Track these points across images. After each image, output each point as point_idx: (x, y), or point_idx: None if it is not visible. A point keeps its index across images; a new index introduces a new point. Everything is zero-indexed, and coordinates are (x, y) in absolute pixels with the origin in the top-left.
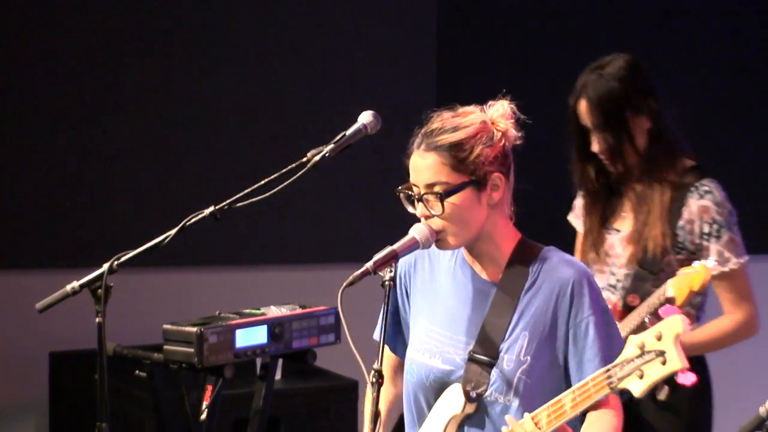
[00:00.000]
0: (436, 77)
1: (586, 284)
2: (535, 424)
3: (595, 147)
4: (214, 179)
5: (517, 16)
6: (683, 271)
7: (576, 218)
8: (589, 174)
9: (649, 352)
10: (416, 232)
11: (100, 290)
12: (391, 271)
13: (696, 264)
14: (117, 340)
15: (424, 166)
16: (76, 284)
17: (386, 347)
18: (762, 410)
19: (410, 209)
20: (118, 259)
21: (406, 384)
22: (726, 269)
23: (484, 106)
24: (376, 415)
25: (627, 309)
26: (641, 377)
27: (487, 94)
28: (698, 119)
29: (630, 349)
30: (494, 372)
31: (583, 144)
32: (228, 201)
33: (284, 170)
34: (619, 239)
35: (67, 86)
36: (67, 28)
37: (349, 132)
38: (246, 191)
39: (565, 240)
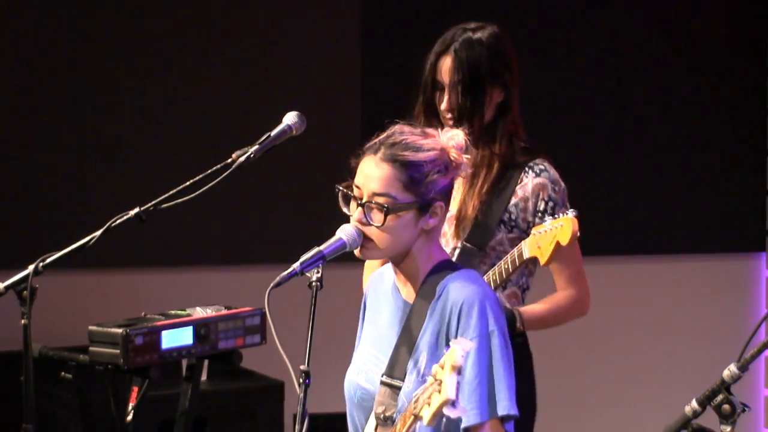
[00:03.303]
0: (360, 78)
1: (477, 306)
2: None
3: (445, 105)
4: (139, 180)
5: (443, 18)
6: (542, 229)
7: None
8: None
9: (436, 380)
10: (343, 233)
11: (25, 292)
12: (318, 272)
13: (559, 217)
14: (42, 341)
15: (377, 175)
16: (0, 286)
17: None
18: (687, 409)
19: (344, 208)
20: (44, 260)
21: (346, 401)
22: None
23: (439, 131)
24: (302, 415)
25: None
26: (429, 405)
27: (412, 95)
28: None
29: (431, 376)
30: (401, 396)
31: (431, 99)
32: (153, 202)
33: (209, 171)
34: (448, 218)
35: None
36: None
37: (274, 133)
38: (171, 192)
39: None
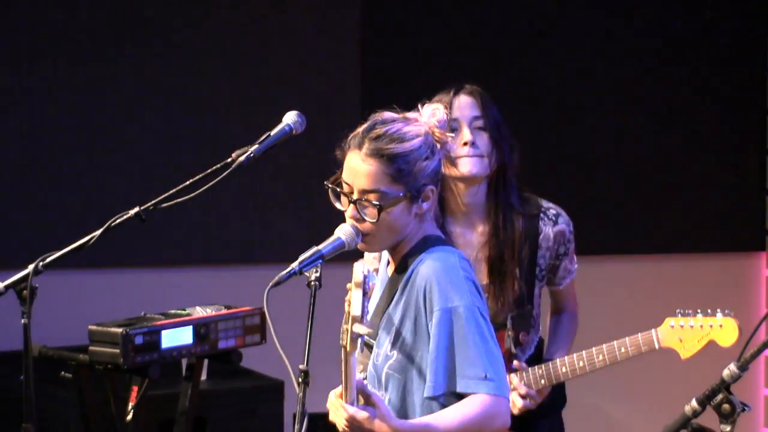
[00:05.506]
0: (360, 78)
1: (437, 282)
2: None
3: (468, 137)
4: (140, 180)
5: (443, 18)
6: (686, 323)
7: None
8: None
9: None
10: (341, 232)
11: (25, 291)
12: (316, 271)
13: (718, 316)
14: (43, 341)
15: (364, 171)
16: (0, 285)
17: None
18: (687, 409)
19: (336, 204)
20: (44, 260)
21: None
22: (569, 281)
23: (420, 107)
24: (302, 414)
25: (516, 345)
26: (347, 331)
27: (412, 94)
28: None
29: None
30: (369, 362)
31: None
32: (153, 201)
33: (209, 171)
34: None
35: None
36: None
37: (274, 132)
38: (171, 192)
39: None
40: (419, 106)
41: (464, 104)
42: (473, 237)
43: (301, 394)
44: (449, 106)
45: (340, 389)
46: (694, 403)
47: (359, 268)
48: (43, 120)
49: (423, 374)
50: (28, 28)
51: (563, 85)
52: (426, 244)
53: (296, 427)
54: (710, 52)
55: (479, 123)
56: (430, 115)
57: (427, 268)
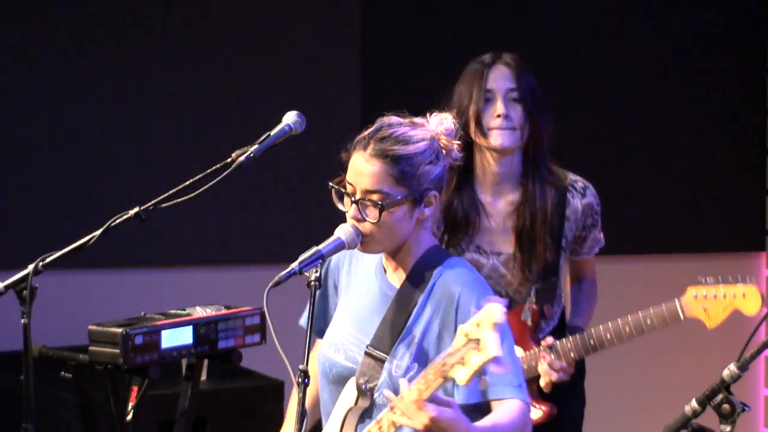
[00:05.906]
0: (360, 78)
1: (478, 291)
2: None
3: (501, 109)
4: (139, 179)
5: (443, 18)
6: (709, 292)
7: None
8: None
9: (471, 340)
10: (342, 233)
11: (25, 291)
12: (316, 272)
13: (740, 285)
14: (43, 341)
15: (368, 171)
16: (0, 285)
17: (317, 341)
18: (687, 409)
19: (339, 205)
20: (44, 260)
21: (318, 375)
22: (597, 249)
23: (428, 116)
24: (302, 414)
25: (540, 317)
26: (463, 365)
27: (412, 94)
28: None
29: (459, 338)
30: (385, 371)
31: (481, 109)
32: (153, 201)
33: (209, 171)
34: (502, 262)
35: None
36: None
37: (273, 132)
38: (171, 192)
39: None
40: (428, 114)
41: (500, 75)
42: (501, 206)
43: (301, 394)
44: (485, 76)
45: (414, 386)
46: (694, 403)
47: (500, 310)
48: (43, 120)
49: (447, 387)
50: (29, 28)
51: (562, 86)
52: (439, 257)
53: (296, 427)
54: (710, 53)
55: (514, 95)
56: (437, 123)
57: (457, 282)
